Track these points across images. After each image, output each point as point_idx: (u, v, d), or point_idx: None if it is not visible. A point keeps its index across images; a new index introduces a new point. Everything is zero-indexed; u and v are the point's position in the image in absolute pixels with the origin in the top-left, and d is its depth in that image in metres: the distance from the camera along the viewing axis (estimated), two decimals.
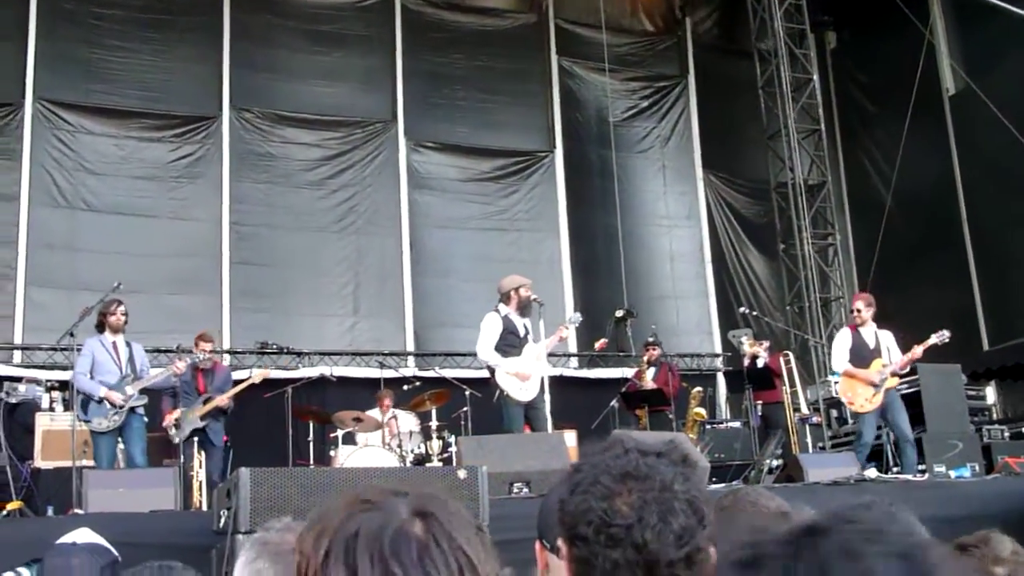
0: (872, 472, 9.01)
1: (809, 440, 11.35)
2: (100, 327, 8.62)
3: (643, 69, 15.89)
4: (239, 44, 13.56)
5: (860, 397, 9.54)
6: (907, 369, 9.99)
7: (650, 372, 11.36)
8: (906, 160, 14.55)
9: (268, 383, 10.17)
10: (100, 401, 8.27)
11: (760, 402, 11.07)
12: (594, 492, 1.55)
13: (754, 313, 12.52)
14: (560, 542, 1.64)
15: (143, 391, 8.51)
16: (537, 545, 2.33)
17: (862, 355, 9.70)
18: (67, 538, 3.08)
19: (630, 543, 1.51)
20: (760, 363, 11.16)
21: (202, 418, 9.10)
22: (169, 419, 9.00)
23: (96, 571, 2.92)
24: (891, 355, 9.73)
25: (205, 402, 9.22)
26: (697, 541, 1.55)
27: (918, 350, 9.76)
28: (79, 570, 2.91)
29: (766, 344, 11.57)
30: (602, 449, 1.63)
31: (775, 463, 9.57)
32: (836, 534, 1.10)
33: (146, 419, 8.62)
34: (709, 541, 1.60)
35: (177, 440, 8.88)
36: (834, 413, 12.38)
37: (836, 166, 16.44)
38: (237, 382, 9.69)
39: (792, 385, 11.16)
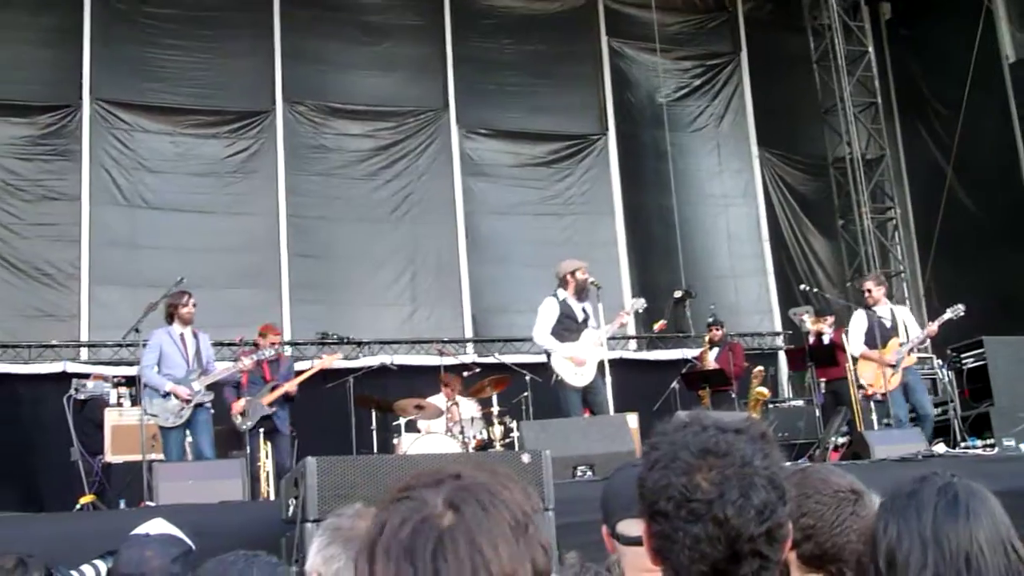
0: (941, 447, 8.88)
1: (874, 417, 11.20)
2: (169, 319, 8.66)
3: (694, 47, 15.72)
4: (290, 38, 13.64)
5: (879, 380, 9.47)
6: (925, 344, 9.86)
7: (713, 353, 11.28)
8: (966, 130, 14.27)
9: (329, 373, 10.26)
10: (166, 396, 8.34)
11: (824, 379, 10.95)
12: (674, 468, 1.55)
13: (814, 290, 12.35)
14: (638, 520, 1.64)
15: (209, 386, 8.60)
16: (604, 529, 2.32)
17: (880, 335, 9.61)
18: (141, 529, 3.13)
19: (711, 518, 1.51)
20: (826, 339, 11.04)
21: (269, 405, 9.20)
22: (237, 407, 9.09)
23: (169, 561, 2.96)
24: (909, 332, 9.66)
25: (272, 389, 9.32)
26: (778, 516, 1.55)
27: (933, 326, 9.75)
28: (152, 560, 2.94)
29: (830, 320, 11.43)
30: (680, 426, 1.62)
31: (840, 441, 9.45)
32: None
33: (212, 411, 8.72)
34: (789, 517, 1.59)
35: (245, 428, 8.97)
36: None
37: (894, 139, 16.19)
38: (299, 372, 9.78)
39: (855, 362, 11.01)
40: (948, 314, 9.56)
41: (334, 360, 10.26)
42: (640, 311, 9.65)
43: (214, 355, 9.03)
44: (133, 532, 3.14)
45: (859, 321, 9.85)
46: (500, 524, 1.24)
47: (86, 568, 3.63)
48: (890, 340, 9.59)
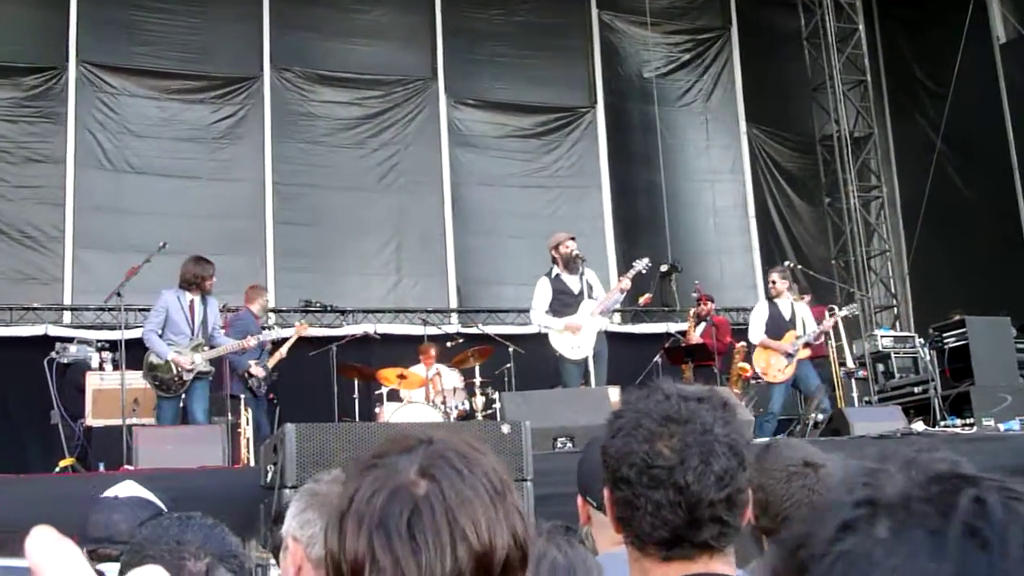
0: (919, 425, 8.96)
1: (855, 395, 11.27)
2: (186, 285, 8.42)
3: (685, 22, 15.67)
4: (278, 4, 13.54)
5: (773, 368, 9.71)
6: (820, 340, 10.21)
7: (700, 328, 11.30)
8: (954, 110, 14.27)
9: (313, 341, 10.28)
10: (165, 362, 8.23)
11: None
12: (636, 435, 1.56)
13: (798, 267, 12.37)
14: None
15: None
16: (580, 500, 2.34)
17: (778, 327, 9.85)
18: (110, 492, 3.11)
19: (672, 484, 1.52)
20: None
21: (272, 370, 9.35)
22: (259, 371, 9.21)
23: (136, 524, 2.95)
24: (806, 326, 9.90)
25: (270, 354, 9.45)
26: (738, 482, 1.57)
27: (828, 323, 10.08)
28: (120, 524, 2.93)
29: (807, 298, 11.47)
30: (643, 395, 1.63)
31: (820, 417, 9.52)
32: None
33: (210, 378, 8.63)
34: (749, 483, 1.62)
35: (262, 392, 9.03)
36: (880, 367, 12.28)
37: (882, 117, 16.18)
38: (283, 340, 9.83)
39: (838, 339, 11.06)
40: (844, 311, 9.80)
41: (307, 329, 10.23)
42: (644, 271, 9.64)
43: (220, 322, 8.81)
44: (102, 495, 3.12)
45: (760, 311, 10.10)
46: (477, 491, 1.20)
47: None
48: (787, 332, 9.83)
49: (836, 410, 9.55)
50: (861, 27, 15.59)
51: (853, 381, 11.41)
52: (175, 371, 8.18)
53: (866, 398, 11.53)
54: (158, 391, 8.28)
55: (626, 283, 9.39)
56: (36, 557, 0.57)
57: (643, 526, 1.56)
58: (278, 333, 9.51)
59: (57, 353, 9.65)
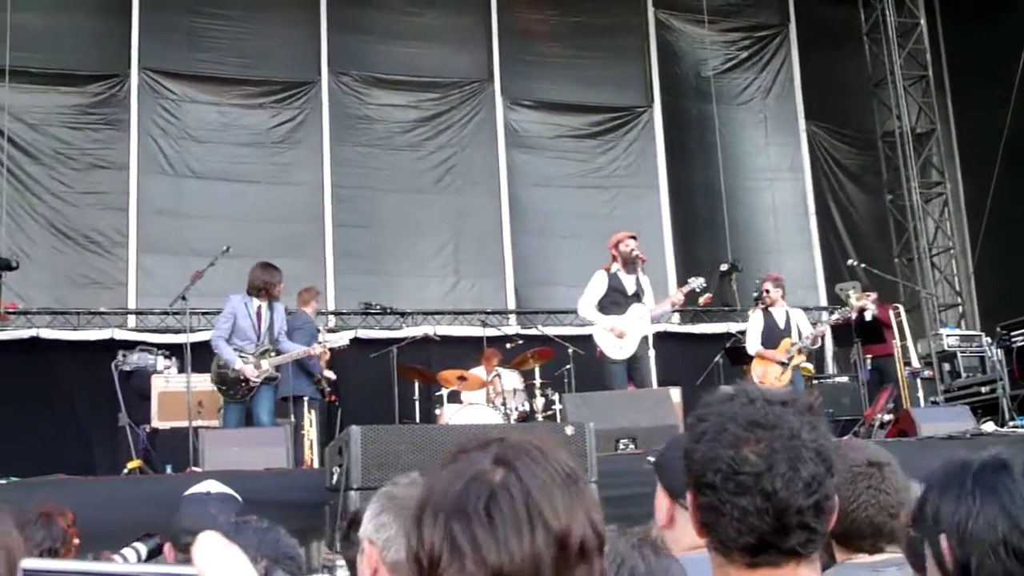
0: (989, 426, 8.78)
1: (921, 394, 11.09)
2: (255, 292, 8.53)
3: (742, 19, 15.52)
4: (336, 8, 13.63)
5: (770, 376, 9.63)
6: (817, 345, 10.20)
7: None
8: (1019, 105, 13.98)
9: (372, 343, 10.34)
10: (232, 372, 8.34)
11: (870, 356, 10.85)
12: (721, 440, 1.54)
13: (862, 265, 12.20)
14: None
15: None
16: (665, 501, 2.31)
17: (772, 335, 9.80)
18: (198, 488, 3.20)
19: (759, 491, 1.50)
20: (868, 316, 10.91)
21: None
22: (330, 374, 9.29)
23: (231, 518, 3.03)
24: (802, 333, 9.84)
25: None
26: (825, 489, 1.55)
27: (820, 328, 10.20)
28: (217, 516, 3.02)
29: (873, 296, 11.27)
30: (726, 398, 1.61)
31: (887, 418, 9.37)
32: None
33: (278, 386, 8.72)
34: (836, 489, 1.59)
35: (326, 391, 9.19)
36: (947, 367, 12.07)
37: (945, 113, 15.89)
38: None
39: (903, 338, 10.89)
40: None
41: (347, 338, 10.16)
42: (699, 291, 9.63)
43: (285, 327, 8.86)
44: (191, 491, 3.21)
45: (756, 321, 10.02)
46: (553, 476, 1.22)
47: (127, 552, 3.70)
48: (782, 340, 9.78)
49: (903, 410, 9.40)
50: (923, 21, 15.33)
51: (919, 381, 11.23)
52: (242, 378, 8.29)
53: (932, 398, 11.35)
54: (225, 396, 8.39)
55: (679, 297, 9.40)
56: (204, 564, 0.58)
57: (728, 532, 1.54)
58: (338, 340, 9.56)
59: (120, 359, 9.81)
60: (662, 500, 2.38)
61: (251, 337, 8.46)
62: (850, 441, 2.55)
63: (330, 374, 9.53)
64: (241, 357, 8.31)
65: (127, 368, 9.88)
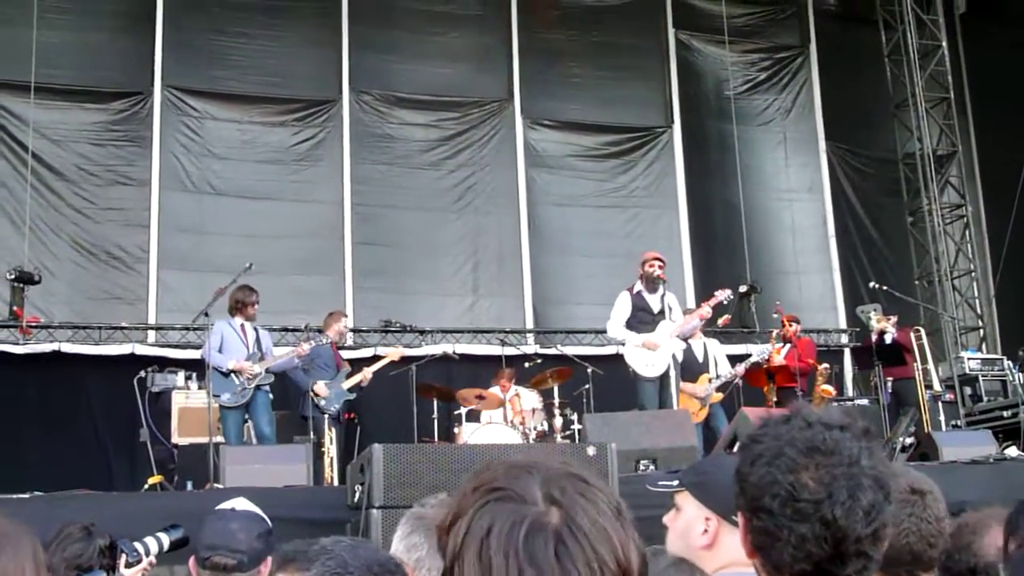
0: (1013, 451, 8.71)
1: (942, 418, 11.02)
2: (232, 311, 8.96)
3: (763, 40, 15.52)
4: (357, 27, 13.70)
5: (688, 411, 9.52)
6: (736, 381, 10.16)
7: (785, 348, 11.15)
8: None
9: (392, 361, 10.35)
10: (227, 375, 8.55)
11: (890, 379, 10.79)
12: (779, 465, 1.52)
13: (883, 288, 12.14)
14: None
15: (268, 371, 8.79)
16: (714, 519, 2.28)
17: (691, 369, 9.77)
18: (225, 505, 3.20)
19: (818, 518, 1.48)
20: (888, 339, 10.86)
21: (349, 390, 9.43)
22: (322, 390, 9.34)
23: (254, 536, 3.02)
24: (719, 368, 9.91)
25: (348, 375, 9.51)
26: (884, 517, 1.53)
27: (740, 368, 10.13)
28: (239, 534, 3.01)
29: (894, 319, 11.25)
30: (782, 421, 1.59)
31: (908, 441, 9.31)
32: None
33: (271, 396, 8.91)
34: (894, 516, 1.57)
35: (332, 410, 9.20)
36: (968, 391, 11.99)
37: (967, 136, 15.85)
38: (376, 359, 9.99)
39: (924, 362, 10.83)
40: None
41: (399, 353, 10.37)
42: (726, 302, 9.63)
43: (272, 344, 9.33)
44: (218, 507, 3.21)
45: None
46: (605, 514, 1.24)
47: (149, 540, 3.70)
48: (700, 375, 9.80)
49: (924, 434, 9.33)
50: (944, 44, 15.30)
51: (940, 404, 11.16)
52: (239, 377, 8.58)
53: (953, 422, 11.27)
54: (222, 406, 8.53)
55: (707, 311, 9.42)
56: None
57: (784, 557, 1.52)
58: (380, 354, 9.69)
59: (147, 380, 9.87)
60: (697, 519, 2.35)
61: (241, 349, 8.83)
62: (893, 466, 2.52)
63: (321, 389, 9.46)
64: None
65: (155, 390, 9.95)
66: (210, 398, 8.56)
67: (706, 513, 2.28)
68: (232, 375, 8.62)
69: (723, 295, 9.54)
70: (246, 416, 8.81)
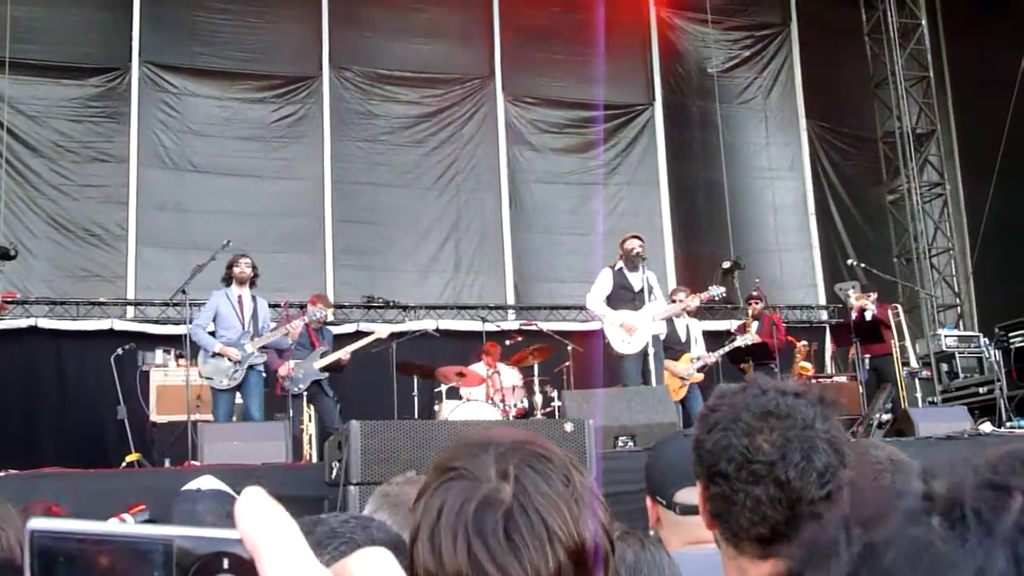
0: (987, 426, 8.79)
1: (919, 395, 11.10)
2: (227, 280, 8.80)
3: (745, 18, 15.52)
4: (337, 3, 13.61)
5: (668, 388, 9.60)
6: (712, 361, 10.08)
7: (754, 326, 11.21)
8: (1020, 107, 13.99)
9: (378, 339, 10.31)
10: (213, 356, 8.46)
11: (868, 356, 10.86)
12: (734, 429, 1.54)
13: (861, 265, 12.20)
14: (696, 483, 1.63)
15: (262, 348, 8.69)
16: (649, 501, 2.31)
17: (673, 348, 9.80)
18: (192, 485, 3.17)
19: (772, 480, 1.50)
20: (868, 315, 10.92)
21: (322, 370, 9.34)
22: (284, 370, 9.15)
23: (222, 516, 3.00)
24: (699, 347, 9.93)
25: (323, 355, 9.42)
26: (838, 480, 1.54)
27: (713, 358, 10.08)
28: (205, 516, 2.99)
29: (873, 296, 11.31)
30: (738, 389, 1.61)
31: (885, 417, 9.38)
32: None
33: (264, 374, 8.83)
34: (848, 480, 1.58)
35: (296, 391, 9.08)
36: (945, 367, 12.08)
37: (945, 114, 15.92)
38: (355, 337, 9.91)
39: (901, 339, 10.91)
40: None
41: (388, 330, 10.31)
42: (717, 299, 9.70)
43: (269, 319, 9.11)
44: (184, 488, 3.18)
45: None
46: (558, 487, 1.23)
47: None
48: (683, 355, 9.82)
49: (901, 410, 9.41)
50: (924, 23, 15.35)
51: (916, 381, 11.25)
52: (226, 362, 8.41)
53: (930, 398, 11.36)
54: (213, 387, 8.46)
55: (695, 304, 9.48)
56: (249, 527, 0.52)
57: (740, 522, 1.54)
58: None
59: (137, 359, 9.83)
60: (648, 500, 2.37)
61: (235, 325, 8.65)
62: (867, 440, 2.54)
63: (283, 369, 9.37)
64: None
65: (145, 368, 9.92)
66: (188, 373, 8.52)
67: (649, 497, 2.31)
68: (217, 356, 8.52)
69: (716, 291, 9.61)
70: (236, 396, 8.72)
